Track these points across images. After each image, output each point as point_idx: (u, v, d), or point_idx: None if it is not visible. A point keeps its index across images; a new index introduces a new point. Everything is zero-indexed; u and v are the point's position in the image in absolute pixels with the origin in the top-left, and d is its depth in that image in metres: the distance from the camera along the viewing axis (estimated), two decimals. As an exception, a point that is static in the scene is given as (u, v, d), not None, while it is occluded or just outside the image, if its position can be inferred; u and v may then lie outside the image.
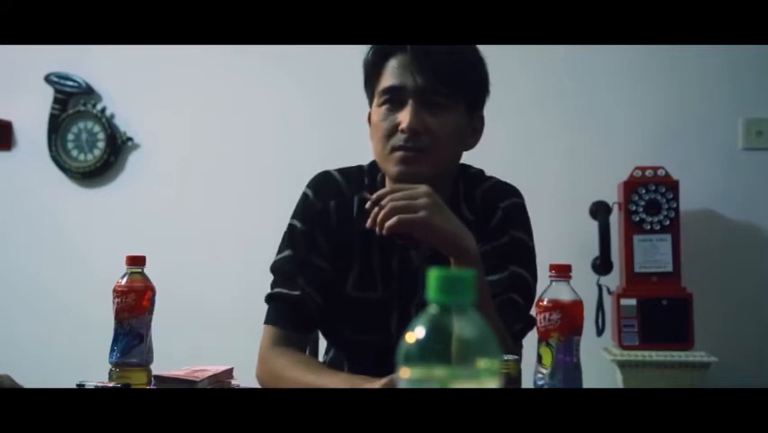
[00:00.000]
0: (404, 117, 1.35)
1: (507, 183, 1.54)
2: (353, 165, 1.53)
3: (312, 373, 1.31)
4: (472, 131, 1.45)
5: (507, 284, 1.40)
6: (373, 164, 1.49)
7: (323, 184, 1.49)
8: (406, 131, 1.34)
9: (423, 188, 1.29)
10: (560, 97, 2.80)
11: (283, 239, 1.48)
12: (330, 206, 1.46)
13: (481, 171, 1.55)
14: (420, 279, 1.40)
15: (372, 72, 1.43)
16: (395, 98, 1.38)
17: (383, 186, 1.43)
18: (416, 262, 1.44)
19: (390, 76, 1.38)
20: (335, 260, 1.45)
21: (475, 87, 1.43)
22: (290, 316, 1.43)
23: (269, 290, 1.47)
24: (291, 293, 1.43)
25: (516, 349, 1.39)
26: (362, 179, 1.48)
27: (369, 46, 1.45)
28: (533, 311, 1.27)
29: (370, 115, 1.45)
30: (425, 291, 1.43)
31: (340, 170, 1.51)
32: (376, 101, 1.41)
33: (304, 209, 1.48)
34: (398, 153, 1.36)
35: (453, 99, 1.38)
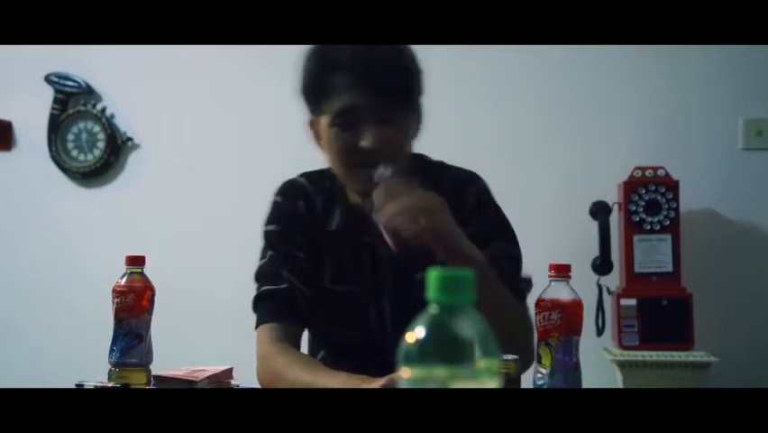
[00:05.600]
0: (362, 137, 1.37)
1: (468, 170, 1.56)
2: (316, 169, 1.56)
3: (311, 374, 1.32)
4: (417, 126, 1.49)
5: (496, 256, 1.42)
6: None
7: (289, 189, 1.55)
8: (367, 150, 1.37)
9: (434, 198, 1.30)
10: (559, 98, 2.79)
11: (261, 248, 1.53)
12: (299, 206, 1.51)
13: (442, 162, 1.58)
14: (390, 274, 1.46)
15: (313, 84, 1.44)
16: (348, 118, 1.39)
17: (343, 188, 1.48)
18: (385, 258, 1.47)
19: (339, 95, 1.39)
20: (311, 256, 1.49)
21: (417, 85, 1.45)
22: (282, 309, 1.46)
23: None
24: (279, 287, 1.46)
25: (527, 315, 1.39)
26: (324, 181, 1.53)
27: (306, 52, 1.46)
28: (532, 311, 1.27)
29: (310, 121, 1.48)
30: (396, 286, 1.45)
31: (303, 174, 1.56)
32: (327, 120, 1.42)
33: (275, 213, 1.53)
34: (362, 171, 1.38)
35: (404, 106, 1.41)
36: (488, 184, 1.55)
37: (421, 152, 1.58)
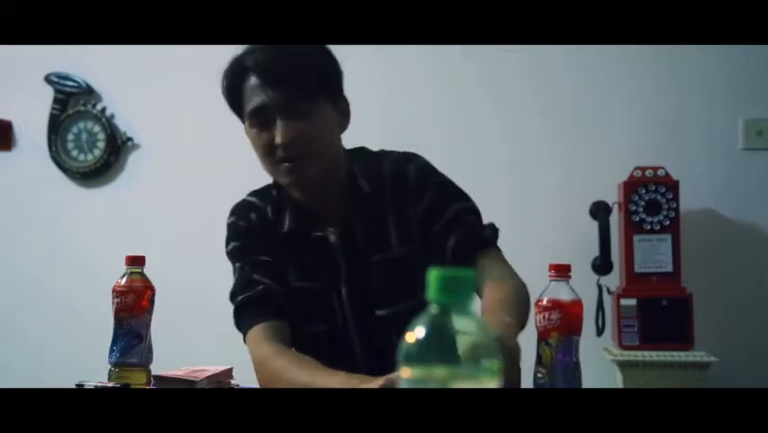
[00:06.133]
0: (276, 133, 1.43)
1: (405, 151, 1.59)
2: (263, 185, 1.63)
3: (310, 373, 1.32)
4: (341, 115, 1.51)
5: (454, 214, 1.48)
6: None
7: (240, 207, 1.61)
8: (281, 145, 1.42)
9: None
10: (559, 98, 2.80)
11: (232, 271, 1.56)
12: (251, 219, 1.57)
13: (382, 150, 1.61)
14: (341, 269, 1.49)
15: (234, 96, 1.51)
16: (262, 118, 1.45)
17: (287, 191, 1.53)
18: (336, 246, 1.50)
19: (251, 98, 1.46)
20: (275, 259, 1.53)
21: (327, 79, 1.48)
22: (264, 309, 1.47)
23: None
24: (255, 291, 1.49)
25: (519, 283, 1.42)
26: (270, 191, 1.59)
27: (223, 73, 1.54)
28: (532, 312, 1.27)
29: (245, 129, 1.53)
30: (351, 271, 1.41)
31: (250, 193, 1.63)
32: (247, 123, 1.49)
33: (232, 232, 1.59)
34: (283, 166, 1.45)
35: (312, 100, 1.44)
36: (426, 160, 1.58)
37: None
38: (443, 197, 1.50)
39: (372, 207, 1.50)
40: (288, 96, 1.43)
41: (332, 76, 1.50)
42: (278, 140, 1.42)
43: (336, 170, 1.51)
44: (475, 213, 1.53)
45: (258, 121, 1.46)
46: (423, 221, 1.49)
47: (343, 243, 1.50)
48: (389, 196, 1.51)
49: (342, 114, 1.52)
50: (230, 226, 1.60)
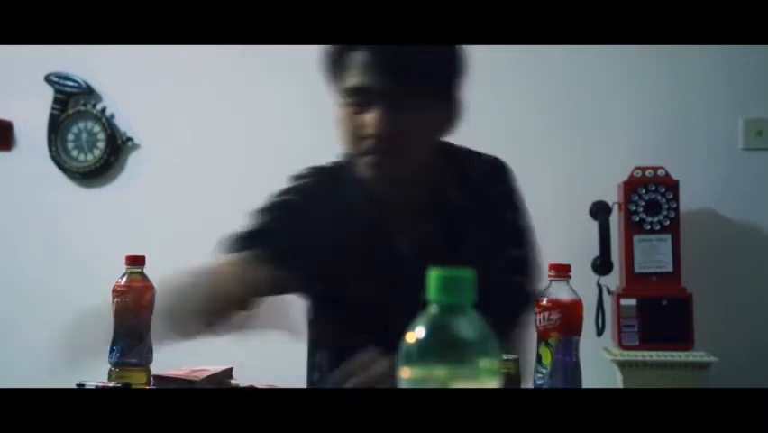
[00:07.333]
0: (370, 121, 1.27)
1: (496, 159, 1.46)
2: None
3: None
4: (449, 117, 1.37)
5: (506, 268, 1.36)
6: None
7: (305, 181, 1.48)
8: (374, 136, 1.27)
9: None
10: (559, 98, 2.80)
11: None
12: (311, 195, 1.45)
13: (467, 150, 1.46)
14: (402, 284, 1.34)
15: (334, 67, 1.34)
16: (359, 99, 1.30)
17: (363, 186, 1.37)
18: (403, 266, 1.39)
19: (354, 74, 1.29)
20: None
21: (446, 77, 1.34)
22: (268, 249, 1.35)
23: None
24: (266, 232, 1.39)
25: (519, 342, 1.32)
26: (340, 173, 1.43)
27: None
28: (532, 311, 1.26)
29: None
30: (409, 298, 1.32)
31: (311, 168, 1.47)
32: (341, 99, 1.33)
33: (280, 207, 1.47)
34: (368, 158, 1.30)
35: (423, 95, 1.29)
36: (516, 180, 1.45)
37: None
38: (502, 237, 1.37)
39: (455, 223, 1.35)
40: (395, 83, 1.26)
41: (451, 70, 1.34)
42: (370, 129, 1.27)
43: (425, 172, 1.35)
44: (525, 269, 1.38)
45: (355, 100, 1.29)
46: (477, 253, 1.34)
47: (414, 255, 1.34)
48: (470, 212, 1.36)
49: (452, 116, 1.37)
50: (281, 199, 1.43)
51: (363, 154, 1.30)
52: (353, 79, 1.29)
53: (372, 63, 1.26)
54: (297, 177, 1.46)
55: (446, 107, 1.35)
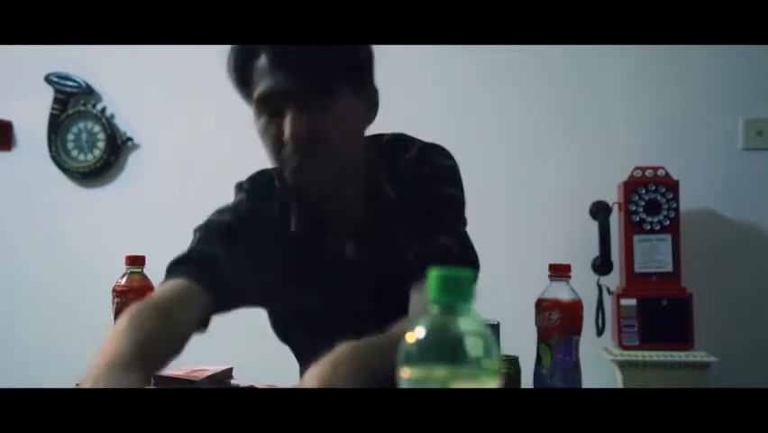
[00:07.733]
0: (285, 126, 1.23)
1: (426, 144, 1.38)
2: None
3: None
4: (367, 106, 1.31)
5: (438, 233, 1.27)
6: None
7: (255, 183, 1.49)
8: (290, 141, 1.23)
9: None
10: (559, 98, 2.80)
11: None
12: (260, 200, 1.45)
13: (401, 136, 1.40)
14: (361, 290, 1.34)
15: (242, 74, 1.31)
16: (271, 105, 1.26)
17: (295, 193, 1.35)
18: (354, 271, 1.35)
19: (260, 81, 1.26)
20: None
21: (352, 63, 1.27)
22: (199, 271, 1.35)
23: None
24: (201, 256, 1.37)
25: None
26: (273, 182, 1.42)
27: (230, 48, 1.35)
28: (532, 311, 1.26)
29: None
30: (370, 304, 1.27)
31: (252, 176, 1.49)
32: (254, 110, 1.30)
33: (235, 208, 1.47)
34: (291, 164, 1.25)
35: (334, 91, 1.24)
36: (455, 162, 1.36)
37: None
38: (429, 211, 1.29)
39: (399, 218, 1.29)
40: (302, 82, 1.22)
41: (357, 59, 1.29)
42: (285, 135, 1.23)
43: (355, 169, 1.30)
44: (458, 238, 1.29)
45: (266, 109, 1.27)
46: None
47: (364, 258, 1.30)
48: (405, 205, 1.29)
49: (369, 104, 1.31)
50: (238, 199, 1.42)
51: (286, 161, 1.26)
52: (261, 87, 1.26)
53: (277, 66, 1.23)
54: (239, 188, 1.47)
55: (362, 99, 1.29)
